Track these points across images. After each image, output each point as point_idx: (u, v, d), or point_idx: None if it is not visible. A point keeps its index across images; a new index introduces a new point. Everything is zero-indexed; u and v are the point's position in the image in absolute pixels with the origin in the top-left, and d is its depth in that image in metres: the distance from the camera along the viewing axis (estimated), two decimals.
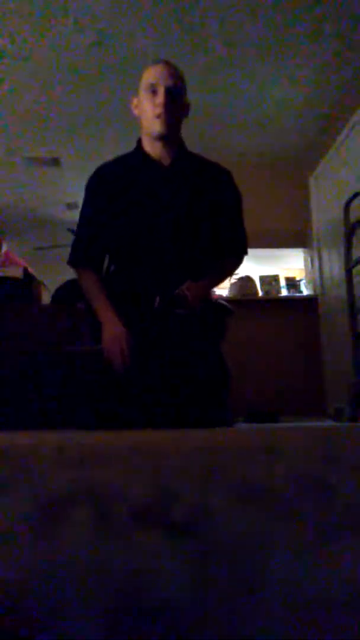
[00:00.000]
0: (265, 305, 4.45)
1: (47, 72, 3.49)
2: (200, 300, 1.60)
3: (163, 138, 1.61)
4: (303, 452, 0.60)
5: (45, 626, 0.15)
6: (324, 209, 4.27)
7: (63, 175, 4.99)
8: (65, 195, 5.48)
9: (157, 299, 1.58)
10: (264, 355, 4.32)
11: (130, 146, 1.76)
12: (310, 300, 4.44)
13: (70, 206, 5.77)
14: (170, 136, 1.62)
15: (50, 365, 2.62)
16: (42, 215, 6.03)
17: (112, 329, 1.57)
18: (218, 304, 1.77)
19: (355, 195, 3.37)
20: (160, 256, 1.62)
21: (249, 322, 4.31)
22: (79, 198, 5.78)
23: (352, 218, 3.37)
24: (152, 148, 1.65)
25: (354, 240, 3.35)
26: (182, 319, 1.59)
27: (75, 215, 6.08)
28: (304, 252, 4.71)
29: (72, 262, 1.72)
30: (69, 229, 6.11)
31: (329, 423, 3.58)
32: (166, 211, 1.63)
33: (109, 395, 1.71)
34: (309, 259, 4.63)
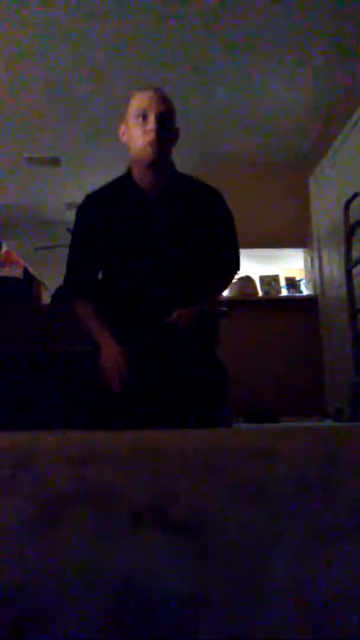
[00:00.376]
0: (265, 305, 4.45)
1: (47, 72, 3.49)
2: (193, 321, 1.60)
3: (154, 165, 1.59)
4: (303, 452, 0.60)
5: (46, 625, 0.15)
6: (324, 209, 4.27)
7: (63, 175, 4.99)
8: (65, 195, 5.48)
9: (142, 296, 1.60)
10: (264, 355, 4.32)
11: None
12: (310, 300, 4.43)
13: (70, 206, 5.77)
14: (161, 163, 1.60)
15: (50, 365, 2.62)
16: (42, 215, 6.03)
17: (110, 350, 1.56)
18: (209, 314, 1.75)
19: (355, 195, 3.37)
20: (150, 285, 1.63)
21: (249, 322, 4.31)
22: (79, 198, 5.78)
23: (352, 218, 3.37)
24: (142, 175, 1.63)
25: (354, 240, 3.35)
26: (175, 332, 1.60)
27: (75, 216, 6.09)
28: (304, 252, 4.71)
29: (67, 293, 1.75)
30: (68, 229, 6.11)
31: (329, 423, 3.58)
32: (155, 242, 1.63)
33: (109, 396, 1.72)
34: (309, 259, 4.63)
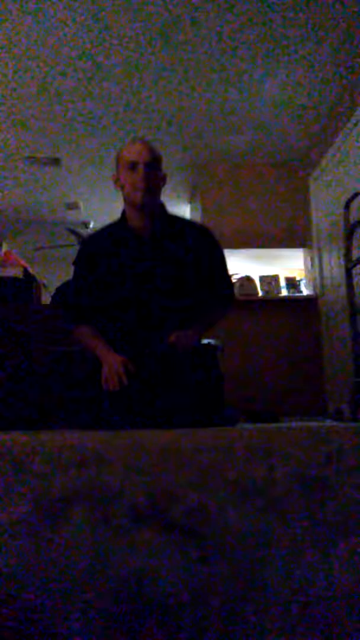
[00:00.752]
0: (265, 305, 4.44)
1: (48, 72, 3.49)
2: (189, 348, 1.72)
3: (144, 208, 1.77)
4: (303, 452, 0.60)
5: (46, 625, 0.15)
6: (324, 209, 4.27)
7: (63, 175, 4.99)
8: (65, 195, 5.48)
9: (137, 327, 1.75)
10: (264, 355, 4.31)
11: None
12: (310, 300, 4.43)
13: (70, 206, 5.77)
14: (151, 206, 1.78)
15: (50, 365, 2.62)
16: (42, 215, 6.02)
17: (111, 357, 1.69)
18: (207, 347, 1.89)
19: (355, 195, 3.37)
20: (145, 319, 1.77)
21: (249, 322, 4.31)
22: (79, 198, 5.78)
23: (352, 218, 3.36)
24: (135, 218, 1.81)
25: (354, 240, 3.35)
26: (171, 357, 1.72)
27: (75, 215, 6.09)
28: (304, 252, 4.71)
29: (67, 322, 1.89)
30: (69, 229, 6.11)
31: (329, 423, 3.57)
32: (147, 277, 1.78)
33: (108, 395, 1.72)
34: (309, 259, 4.63)
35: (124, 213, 1.86)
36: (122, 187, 1.80)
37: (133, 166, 1.74)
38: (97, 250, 1.84)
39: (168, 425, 1.60)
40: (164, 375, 1.71)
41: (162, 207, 1.87)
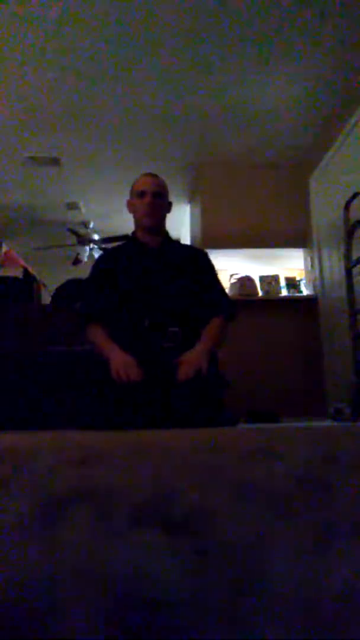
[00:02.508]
0: (265, 305, 4.44)
1: (47, 72, 3.49)
2: (196, 370, 1.77)
3: (151, 230, 2.07)
4: (303, 452, 0.60)
5: (46, 625, 0.15)
6: (324, 209, 4.27)
7: (63, 175, 4.99)
8: (65, 195, 5.48)
9: (147, 320, 1.89)
10: (264, 355, 4.31)
11: (130, 146, 1.87)
12: (310, 300, 4.43)
13: (70, 206, 5.77)
14: (157, 228, 2.10)
15: (51, 365, 2.62)
16: (42, 215, 6.02)
17: (120, 355, 1.80)
18: (216, 380, 1.90)
19: (355, 195, 3.37)
20: (153, 314, 1.92)
21: (249, 322, 4.31)
22: (79, 198, 5.78)
23: (352, 218, 3.37)
24: (143, 237, 2.10)
25: (354, 240, 3.35)
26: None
27: (75, 215, 6.09)
28: (304, 252, 4.71)
29: (83, 320, 2.03)
30: (69, 229, 6.10)
31: (329, 423, 3.57)
32: (156, 278, 2.01)
33: (109, 395, 1.72)
34: (309, 259, 4.63)
35: (134, 233, 2.16)
36: (134, 212, 2.11)
37: (142, 194, 2.05)
38: (112, 260, 2.12)
39: (168, 425, 1.60)
40: (165, 375, 1.73)
41: (166, 232, 2.19)
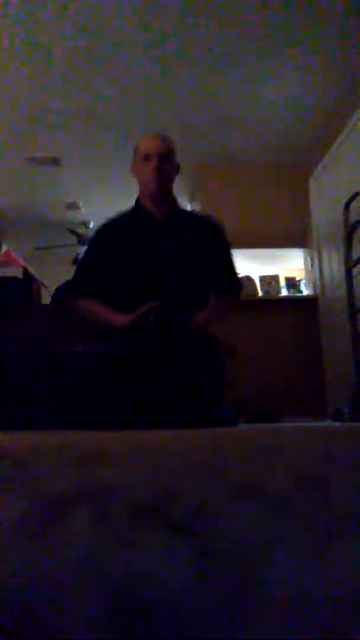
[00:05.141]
0: (265, 305, 4.44)
1: (47, 72, 3.49)
2: (200, 331, 1.75)
3: (157, 196, 1.89)
4: (303, 452, 0.60)
5: (45, 625, 0.15)
6: (324, 209, 4.27)
7: (63, 175, 4.99)
8: (65, 195, 5.48)
9: (152, 316, 1.73)
10: (264, 355, 4.31)
11: (130, 146, 1.89)
12: (310, 300, 4.43)
13: (70, 206, 5.77)
14: (163, 194, 1.91)
15: (51, 365, 2.61)
16: (42, 215, 6.02)
17: (120, 316, 1.73)
18: (219, 345, 1.86)
19: (355, 195, 3.37)
20: (158, 289, 1.80)
21: (249, 322, 4.31)
22: (79, 198, 5.78)
23: (352, 218, 3.37)
24: (148, 205, 1.92)
25: (354, 240, 3.35)
26: (180, 343, 1.73)
27: (75, 215, 6.09)
28: (304, 252, 4.71)
29: (72, 293, 1.94)
30: (69, 229, 6.10)
31: (329, 423, 3.57)
32: (159, 255, 1.86)
33: (109, 395, 1.72)
34: (309, 259, 4.63)
35: (138, 200, 1.97)
36: (138, 177, 1.92)
37: (147, 158, 1.86)
38: (113, 232, 1.94)
39: (168, 422, 1.60)
40: (168, 368, 1.71)
41: (174, 199, 2.00)
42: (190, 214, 2.09)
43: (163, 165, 1.86)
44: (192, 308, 1.77)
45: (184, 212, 2.02)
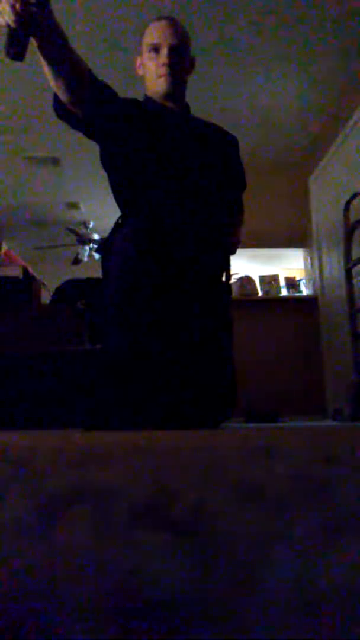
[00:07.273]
0: (265, 305, 4.44)
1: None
2: (234, 247, 1.64)
3: (168, 97, 1.56)
4: (303, 452, 0.60)
5: (45, 626, 0.15)
6: (324, 209, 4.27)
7: (63, 175, 4.99)
8: (65, 195, 5.48)
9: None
10: (264, 355, 4.31)
11: None
12: (310, 300, 4.43)
13: (70, 206, 5.77)
14: (176, 95, 1.57)
15: (51, 365, 2.62)
16: (42, 215, 6.02)
17: None
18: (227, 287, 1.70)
19: (355, 195, 3.37)
20: (173, 185, 1.54)
21: (249, 322, 4.30)
22: (79, 198, 5.77)
23: (352, 218, 3.36)
24: (160, 100, 1.60)
25: (354, 240, 3.34)
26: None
27: (75, 215, 6.08)
28: (304, 252, 4.71)
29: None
30: (69, 229, 6.10)
31: (329, 423, 3.58)
32: (181, 151, 1.58)
33: (109, 395, 1.72)
34: (309, 259, 4.63)
35: (146, 97, 1.62)
36: (144, 73, 1.58)
37: (155, 49, 1.52)
38: (134, 106, 1.60)
39: (169, 425, 1.60)
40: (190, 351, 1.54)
41: (187, 106, 1.66)
42: (206, 122, 1.74)
43: (175, 58, 1.51)
44: (206, 212, 1.57)
45: (197, 120, 1.72)
